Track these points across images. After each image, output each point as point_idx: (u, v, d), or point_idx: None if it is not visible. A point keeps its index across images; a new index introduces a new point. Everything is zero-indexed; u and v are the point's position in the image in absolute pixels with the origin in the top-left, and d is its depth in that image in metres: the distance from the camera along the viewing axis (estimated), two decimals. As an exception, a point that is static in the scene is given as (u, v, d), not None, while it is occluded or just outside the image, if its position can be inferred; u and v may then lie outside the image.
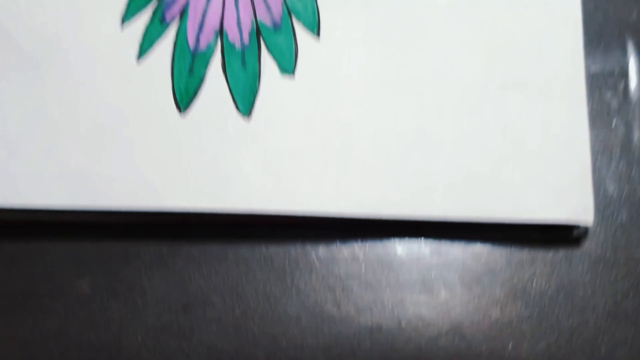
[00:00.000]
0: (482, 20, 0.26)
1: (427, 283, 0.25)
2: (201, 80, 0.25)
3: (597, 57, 0.27)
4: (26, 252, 0.25)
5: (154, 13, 0.26)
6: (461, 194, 0.24)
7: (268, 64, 0.26)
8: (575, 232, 0.25)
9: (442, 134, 0.25)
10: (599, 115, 0.26)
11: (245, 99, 0.25)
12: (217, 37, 0.26)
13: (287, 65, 0.25)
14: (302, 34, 0.26)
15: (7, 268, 0.25)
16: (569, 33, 0.26)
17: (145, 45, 0.26)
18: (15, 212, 0.25)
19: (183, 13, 0.26)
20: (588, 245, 0.25)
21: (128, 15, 0.26)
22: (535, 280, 0.25)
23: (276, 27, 0.26)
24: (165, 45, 0.26)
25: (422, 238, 0.25)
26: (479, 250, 0.25)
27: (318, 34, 0.26)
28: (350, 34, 0.26)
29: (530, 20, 0.26)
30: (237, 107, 0.25)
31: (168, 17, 0.26)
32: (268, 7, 0.26)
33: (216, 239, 0.25)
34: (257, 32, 0.26)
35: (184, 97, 0.25)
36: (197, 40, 0.26)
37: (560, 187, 0.24)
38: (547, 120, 0.25)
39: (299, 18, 0.26)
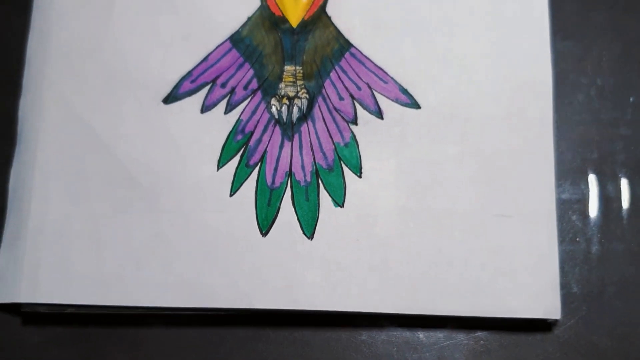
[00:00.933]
0: (481, 165, 0.35)
1: (441, 360, 0.34)
2: (277, 210, 0.35)
3: (566, 188, 0.36)
4: (145, 337, 0.34)
5: (241, 159, 0.35)
6: (468, 297, 0.33)
7: (325, 197, 0.35)
8: (548, 321, 0.34)
9: (454, 252, 0.34)
10: (566, 233, 0.36)
11: (308, 224, 0.35)
12: (287, 177, 0.35)
13: (339, 199, 0.35)
14: (349, 175, 0.35)
15: (131, 350, 0.34)
16: (544, 172, 0.35)
17: (236, 184, 0.35)
18: (140, 309, 0.34)
19: (262, 159, 0.36)
20: (557, 331, 0.34)
21: (222, 160, 0.35)
22: (519, 358, 0.34)
23: (330, 169, 0.35)
24: (250, 184, 0.35)
25: (439, 327, 0.34)
26: (479, 336, 0.34)
27: (360, 174, 0.35)
28: (384, 174, 0.35)
29: (516, 164, 0.35)
30: (303, 230, 0.34)
31: (252, 162, 0.35)
32: (324, 154, 0.36)
33: (287, 325, 0.34)
34: (317, 173, 0.35)
35: (264, 223, 0.35)
36: (273, 180, 0.35)
37: (537, 291, 0.34)
38: (528, 240, 0.34)
39: (346, 163, 0.35)
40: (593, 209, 0.36)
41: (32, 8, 0.38)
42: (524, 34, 0.37)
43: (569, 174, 0.37)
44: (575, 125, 0.37)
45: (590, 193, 0.36)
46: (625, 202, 0.36)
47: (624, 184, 0.36)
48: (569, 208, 0.36)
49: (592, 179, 0.37)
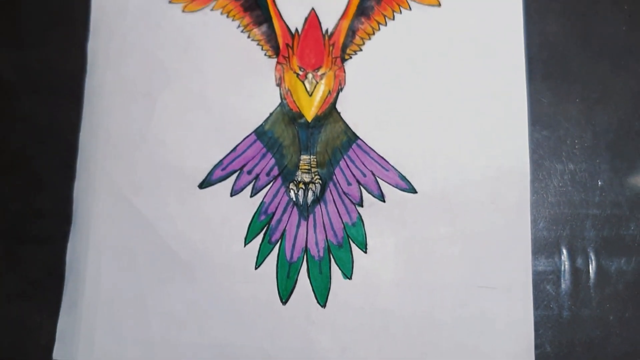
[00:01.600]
0: (468, 243, 0.41)
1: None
2: (294, 282, 0.41)
3: (542, 261, 0.42)
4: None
5: (264, 237, 0.42)
6: (456, 357, 0.40)
7: (335, 270, 0.41)
8: (527, 377, 0.40)
9: (444, 318, 0.40)
10: (541, 301, 0.42)
11: (322, 295, 0.41)
12: (303, 253, 0.42)
13: (348, 272, 0.41)
14: (356, 250, 0.42)
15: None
16: (521, 249, 0.41)
17: (260, 259, 0.41)
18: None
19: (282, 236, 0.42)
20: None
21: (248, 238, 0.42)
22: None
23: (340, 245, 0.42)
24: (272, 258, 0.41)
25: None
26: (466, 390, 0.41)
27: (366, 250, 0.42)
28: (386, 250, 0.41)
29: (497, 242, 0.41)
30: (317, 300, 0.41)
31: (273, 239, 0.42)
32: (335, 232, 0.42)
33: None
34: (329, 249, 0.42)
35: (284, 293, 0.41)
36: (292, 255, 0.42)
37: (515, 351, 0.40)
38: (507, 307, 0.40)
39: (354, 240, 0.42)
40: (565, 280, 0.42)
41: (84, 100, 0.45)
42: (505, 128, 0.43)
43: (544, 249, 0.43)
44: (550, 206, 0.43)
45: (562, 265, 0.42)
46: (592, 274, 0.42)
47: (592, 257, 0.42)
48: (544, 279, 0.42)
49: (564, 253, 0.43)
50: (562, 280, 0.42)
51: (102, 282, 0.41)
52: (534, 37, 0.45)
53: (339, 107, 0.44)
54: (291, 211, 0.42)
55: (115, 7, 0.45)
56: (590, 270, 0.42)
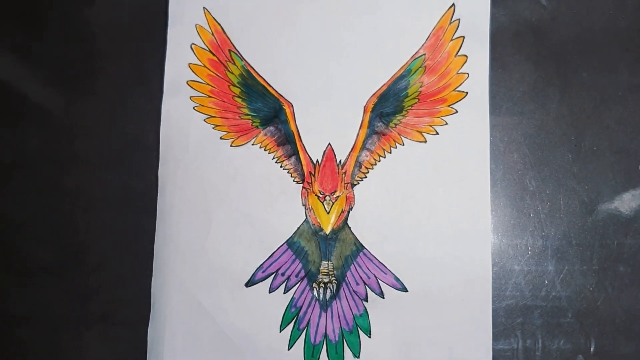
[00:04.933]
0: (445, 331, 0.56)
1: None
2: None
3: (500, 342, 0.57)
4: None
5: (294, 325, 0.56)
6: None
7: (347, 351, 0.56)
8: None
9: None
10: (500, 372, 0.57)
11: (338, 369, 0.56)
12: (324, 337, 0.56)
13: (356, 352, 0.56)
14: (363, 336, 0.56)
15: None
16: (483, 335, 0.56)
17: (291, 342, 0.56)
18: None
19: (307, 325, 0.57)
20: None
21: (282, 326, 0.56)
22: None
23: (350, 332, 0.56)
24: (300, 342, 0.56)
25: None
26: None
27: (370, 335, 0.56)
28: (386, 335, 0.56)
29: (463, 328, 0.56)
30: (334, 373, 0.56)
31: (301, 327, 0.56)
32: (347, 321, 0.57)
33: None
34: (342, 334, 0.56)
35: (310, 369, 0.56)
36: (315, 339, 0.56)
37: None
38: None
39: (361, 327, 0.56)
40: (518, 356, 0.57)
41: (157, 216, 0.59)
42: (473, 240, 0.57)
43: (502, 332, 0.57)
44: (507, 299, 0.58)
45: (516, 345, 0.57)
46: (539, 352, 0.57)
47: (539, 339, 0.57)
48: (502, 355, 0.57)
49: (518, 335, 0.57)
50: (516, 357, 0.57)
51: (176, 359, 0.56)
52: (499, 163, 0.60)
53: (350, 222, 0.58)
54: (314, 305, 0.57)
55: (179, 141, 0.59)
56: (537, 349, 0.57)
